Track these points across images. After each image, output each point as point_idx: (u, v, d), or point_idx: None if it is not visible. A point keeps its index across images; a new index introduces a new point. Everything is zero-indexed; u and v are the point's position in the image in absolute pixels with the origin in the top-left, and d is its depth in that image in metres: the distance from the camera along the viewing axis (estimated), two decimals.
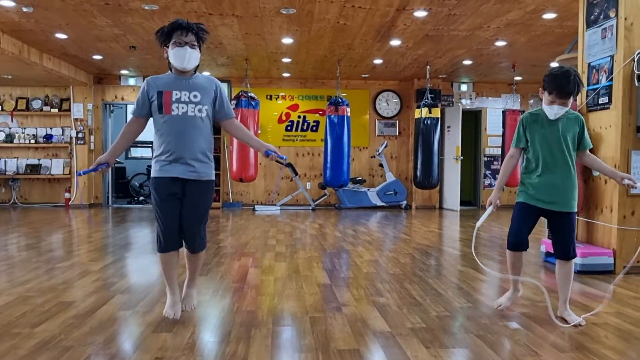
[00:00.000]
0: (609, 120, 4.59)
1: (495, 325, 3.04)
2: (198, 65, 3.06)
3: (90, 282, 4.03)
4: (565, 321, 3.06)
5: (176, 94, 2.93)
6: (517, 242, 3.22)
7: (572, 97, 3.00)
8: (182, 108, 2.93)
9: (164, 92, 2.93)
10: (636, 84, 4.38)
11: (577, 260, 4.45)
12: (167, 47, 2.96)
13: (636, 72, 4.35)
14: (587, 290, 3.95)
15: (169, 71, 3.05)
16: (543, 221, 3.38)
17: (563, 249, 3.17)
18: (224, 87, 3.07)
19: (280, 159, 3.05)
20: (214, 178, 3.11)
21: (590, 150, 3.22)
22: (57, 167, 10.92)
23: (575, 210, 3.15)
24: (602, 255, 4.48)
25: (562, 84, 2.96)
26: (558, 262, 3.23)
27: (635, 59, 4.36)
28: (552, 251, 4.88)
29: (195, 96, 2.96)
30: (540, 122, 3.12)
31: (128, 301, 3.46)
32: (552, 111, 3.03)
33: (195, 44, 2.96)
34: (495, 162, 11.35)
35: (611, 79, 4.55)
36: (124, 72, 10.46)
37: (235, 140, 8.88)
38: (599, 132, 4.71)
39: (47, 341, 2.68)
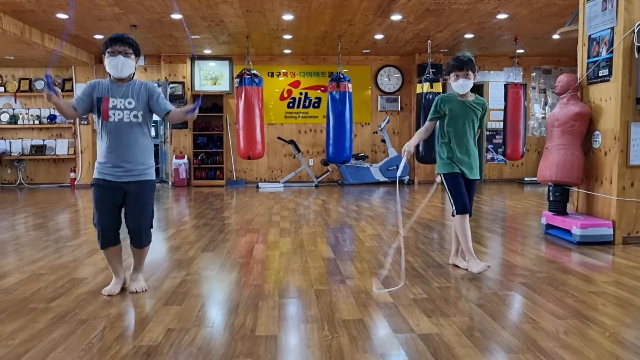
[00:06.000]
0: (608, 93, 4.62)
1: (495, 295, 3.13)
2: (134, 73, 3.21)
3: (100, 259, 4.12)
4: (456, 266, 3.78)
5: (113, 101, 3.09)
6: (466, 205, 3.65)
7: (470, 70, 3.60)
8: (118, 115, 3.09)
9: (102, 99, 3.09)
10: (636, 55, 4.39)
11: (577, 231, 4.53)
12: (105, 56, 3.13)
13: (636, 43, 4.37)
14: (587, 260, 4.03)
15: (109, 77, 3.19)
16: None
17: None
18: (155, 86, 3.27)
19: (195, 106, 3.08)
20: (153, 178, 3.24)
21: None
22: (61, 147, 10.99)
23: (479, 178, 3.72)
24: (602, 227, 4.55)
25: (456, 60, 3.62)
26: (461, 217, 3.65)
27: (636, 31, 4.37)
28: (553, 223, 4.98)
29: (129, 103, 3.12)
30: (453, 102, 3.67)
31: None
32: (459, 84, 3.60)
33: (130, 52, 3.12)
34: (497, 136, 11.36)
35: (611, 51, 4.57)
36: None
37: (241, 118, 8.90)
38: (599, 104, 4.74)
39: (63, 315, 2.79)
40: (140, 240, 3.23)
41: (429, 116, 3.77)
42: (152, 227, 3.27)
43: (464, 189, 3.65)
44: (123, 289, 3.26)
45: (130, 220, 3.17)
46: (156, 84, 3.28)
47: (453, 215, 3.68)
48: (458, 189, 3.64)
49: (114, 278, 3.27)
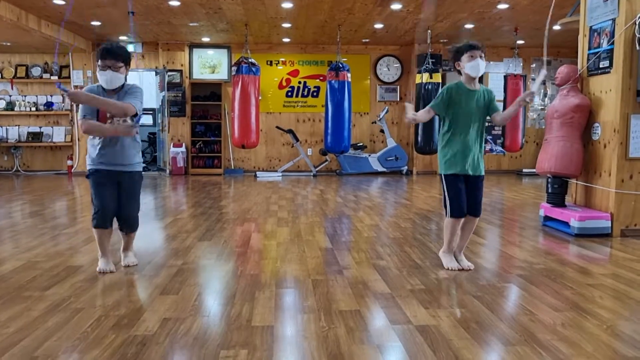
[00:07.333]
0: (609, 85, 4.59)
1: (492, 287, 3.12)
2: (125, 82, 3.37)
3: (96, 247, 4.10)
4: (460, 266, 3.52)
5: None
6: (462, 210, 3.46)
7: (483, 50, 3.37)
8: (116, 121, 3.26)
9: (99, 109, 3.27)
10: (637, 47, 4.36)
11: (575, 223, 4.53)
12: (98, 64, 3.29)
13: (637, 35, 4.34)
14: (585, 253, 4.02)
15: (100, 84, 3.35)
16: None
17: (476, 207, 3.54)
18: (137, 88, 3.42)
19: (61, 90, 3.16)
20: (141, 170, 3.54)
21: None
22: (58, 134, 10.94)
23: (484, 174, 3.55)
24: (600, 219, 4.55)
25: (468, 42, 3.39)
26: (468, 217, 3.52)
27: (637, 22, 4.34)
28: (551, 215, 4.97)
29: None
30: (462, 93, 3.42)
31: (134, 265, 3.54)
32: (476, 65, 3.35)
33: (119, 65, 3.27)
34: (496, 128, 11.33)
35: (612, 43, 4.54)
36: (122, 38, 10.37)
37: (236, 107, 8.84)
38: (599, 96, 4.72)
39: (58, 303, 2.77)
40: (132, 226, 3.57)
41: (432, 103, 3.47)
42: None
43: (463, 194, 3.43)
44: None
45: (124, 209, 3.46)
46: (138, 87, 3.38)
47: (446, 216, 3.51)
48: (458, 195, 3.42)
49: (103, 258, 3.46)
